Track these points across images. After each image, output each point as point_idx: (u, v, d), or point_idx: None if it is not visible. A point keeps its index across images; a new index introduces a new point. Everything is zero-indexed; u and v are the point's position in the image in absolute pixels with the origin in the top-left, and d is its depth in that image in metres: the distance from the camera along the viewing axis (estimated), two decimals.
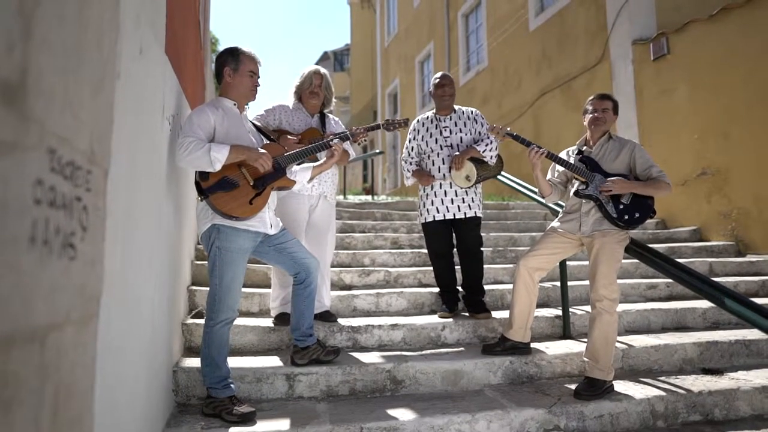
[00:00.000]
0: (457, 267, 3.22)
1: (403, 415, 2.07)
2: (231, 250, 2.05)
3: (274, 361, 2.43)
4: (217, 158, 1.95)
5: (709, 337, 2.91)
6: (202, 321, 2.67)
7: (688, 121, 5.25)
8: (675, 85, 5.40)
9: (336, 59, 29.00)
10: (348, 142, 2.66)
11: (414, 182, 3.22)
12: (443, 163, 3.08)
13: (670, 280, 3.76)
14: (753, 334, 2.96)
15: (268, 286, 3.34)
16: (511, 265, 3.96)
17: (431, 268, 3.73)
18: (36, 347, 0.65)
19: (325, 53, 31.00)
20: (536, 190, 3.42)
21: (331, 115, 2.96)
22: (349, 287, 3.51)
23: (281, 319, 2.72)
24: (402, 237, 4.48)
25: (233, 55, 2.14)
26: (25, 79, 0.60)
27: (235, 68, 2.13)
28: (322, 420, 2.01)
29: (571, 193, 2.57)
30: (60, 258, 0.78)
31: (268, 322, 2.79)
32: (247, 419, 1.94)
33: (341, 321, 2.85)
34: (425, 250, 4.16)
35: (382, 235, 4.47)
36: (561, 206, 2.99)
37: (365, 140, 2.61)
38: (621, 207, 2.40)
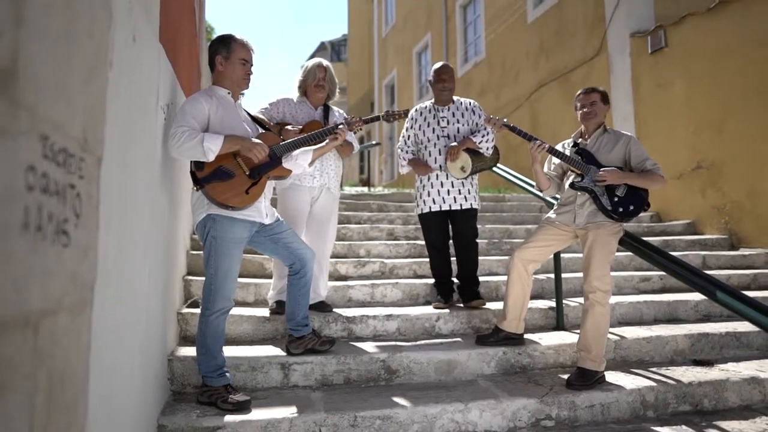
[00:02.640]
0: (453, 258, 3.23)
1: (396, 404, 2.09)
2: (226, 240, 2.05)
3: (269, 350, 2.45)
4: (211, 148, 1.95)
5: (701, 329, 2.94)
6: (197, 310, 2.68)
7: (685, 114, 5.26)
8: (672, 78, 5.40)
9: (333, 50, 28.80)
10: (351, 134, 2.67)
11: (409, 171, 3.22)
12: (440, 154, 3.08)
13: (663, 273, 3.80)
14: (743, 326, 2.99)
15: (264, 276, 3.35)
16: (506, 257, 3.98)
17: (426, 259, 3.75)
18: (29, 333, 0.66)
19: (322, 44, 30.77)
20: (532, 182, 3.43)
21: (335, 108, 2.96)
22: (345, 278, 3.53)
23: (280, 306, 2.73)
24: (397, 228, 4.48)
25: (225, 43, 2.13)
26: (15, 66, 0.60)
27: (227, 56, 2.12)
28: (317, 408, 2.03)
29: (567, 186, 2.58)
30: (53, 244, 0.79)
31: (263, 312, 2.80)
32: (242, 407, 1.95)
33: (336, 311, 2.86)
34: (421, 242, 4.19)
35: (377, 227, 4.47)
36: (557, 199, 3.00)
37: (360, 129, 2.61)
38: (615, 199, 2.41)
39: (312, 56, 30.86)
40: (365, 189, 8.85)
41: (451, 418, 2.09)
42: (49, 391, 0.74)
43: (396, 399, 2.15)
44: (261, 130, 2.29)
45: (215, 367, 2.04)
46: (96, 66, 0.93)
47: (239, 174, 2.06)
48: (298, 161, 2.32)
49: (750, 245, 4.61)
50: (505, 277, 3.61)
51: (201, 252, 3.45)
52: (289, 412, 1.98)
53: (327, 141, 2.40)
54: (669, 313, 3.27)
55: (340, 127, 2.42)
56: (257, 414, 1.95)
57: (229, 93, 2.17)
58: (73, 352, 0.87)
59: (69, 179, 0.80)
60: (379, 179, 15.10)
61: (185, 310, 2.68)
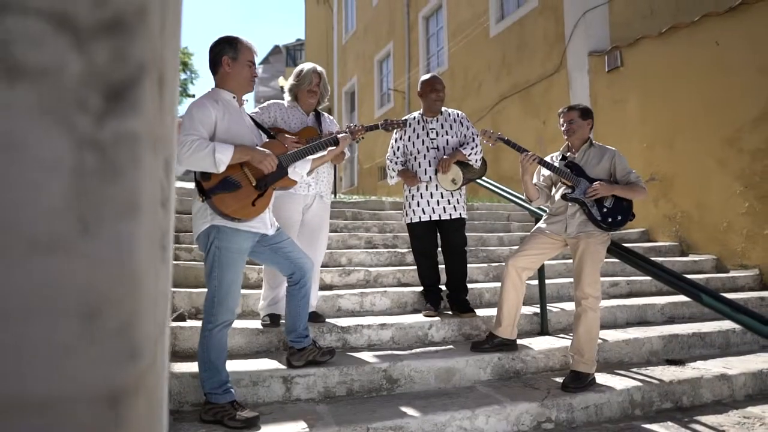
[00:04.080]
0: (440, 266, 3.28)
1: (405, 413, 2.09)
2: (231, 251, 1.98)
3: (268, 363, 2.37)
4: (222, 160, 1.87)
5: (670, 330, 3.16)
6: (185, 324, 2.55)
7: (639, 130, 5.64)
8: (627, 95, 5.78)
9: (288, 54, 28.44)
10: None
11: (398, 182, 3.25)
12: (429, 165, 3.12)
13: (630, 278, 4.05)
14: (706, 327, 3.25)
15: (249, 287, 3.24)
16: (483, 264, 4.08)
17: (409, 267, 3.78)
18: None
19: (277, 47, 30.31)
20: (507, 193, 3.55)
21: (326, 114, 2.93)
22: (330, 287, 3.48)
23: (272, 319, 2.66)
24: (375, 236, 4.49)
25: (231, 44, 2.06)
26: (164, 63, 0.57)
27: (234, 57, 2.05)
28: (327, 422, 1.98)
29: (557, 197, 2.69)
30: (164, 263, 0.75)
31: (255, 323, 2.71)
32: (251, 424, 1.88)
33: (329, 321, 2.82)
34: (401, 250, 4.21)
35: (356, 235, 4.45)
36: (542, 209, 3.13)
37: (362, 137, 2.60)
38: (605, 210, 2.55)
39: (266, 59, 30.26)
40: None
41: (460, 426, 2.11)
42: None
43: (403, 408, 2.15)
44: (265, 137, 2.23)
45: (220, 383, 1.95)
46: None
47: (246, 185, 2.00)
48: (298, 170, 2.28)
49: (698, 251, 5.00)
50: (485, 284, 3.71)
51: (180, 262, 3.29)
52: (299, 427, 1.93)
53: (328, 150, 2.37)
54: (639, 316, 3.48)
55: (343, 135, 2.41)
56: (267, 430, 1.88)
57: (234, 97, 2.10)
58: (162, 378, 0.82)
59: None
60: (339, 186, 15.03)
61: (173, 324, 2.54)
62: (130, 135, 0.39)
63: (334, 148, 2.39)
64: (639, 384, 2.48)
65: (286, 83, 2.90)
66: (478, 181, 3.71)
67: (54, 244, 0.35)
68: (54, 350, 0.35)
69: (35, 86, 0.34)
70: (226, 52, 2.04)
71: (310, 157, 2.32)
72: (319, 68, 2.84)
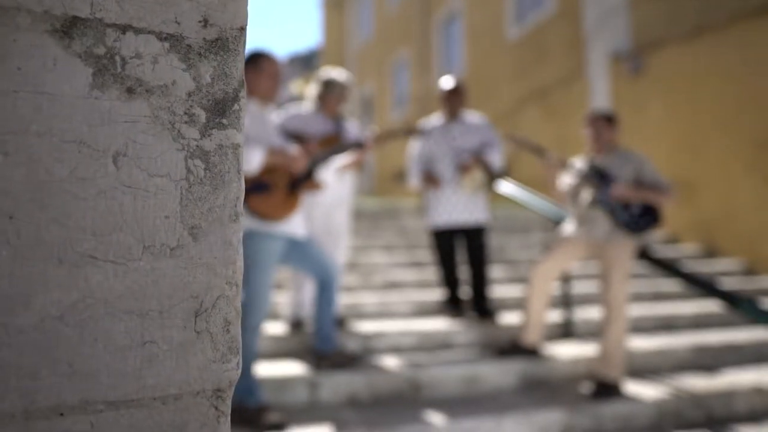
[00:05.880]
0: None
1: (432, 419, 2.09)
2: (262, 255, 2.00)
3: (293, 367, 2.39)
4: (250, 161, 1.90)
5: (700, 337, 3.09)
6: None
7: (662, 134, 5.56)
8: (649, 99, 5.71)
9: (302, 61, 28.74)
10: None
11: (418, 184, 3.25)
12: (450, 168, 3.12)
13: (656, 281, 3.97)
14: (738, 334, 3.17)
15: (275, 289, 3.27)
16: (507, 268, 4.06)
17: (428, 270, 3.78)
18: None
19: (292, 55, 30.67)
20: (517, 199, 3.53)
21: (348, 120, 2.95)
22: (350, 289, 3.50)
23: (296, 323, 2.68)
24: (393, 239, 4.50)
25: (256, 55, 2.10)
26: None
27: (258, 69, 2.09)
28: (357, 427, 1.99)
29: (582, 202, 2.67)
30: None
31: (277, 326, 2.73)
32: (280, 428, 1.89)
33: (352, 325, 2.83)
34: (419, 252, 4.21)
35: (373, 236, 4.47)
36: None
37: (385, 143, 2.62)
38: (631, 215, 2.52)
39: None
40: None
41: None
42: None
43: (430, 415, 2.14)
44: (291, 143, 2.25)
45: (250, 386, 1.97)
46: None
47: (277, 187, 2.02)
48: (323, 174, 2.31)
49: (726, 256, 4.90)
50: (509, 288, 3.68)
51: None
52: (327, 431, 1.93)
53: (356, 154, 2.39)
54: (667, 321, 3.41)
55: (367, 140, 2.42)
56: None
57: (259, 105, 2.13)
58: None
59: None
60: (357, 188, 15.10)
61: None
62: (232, 146, 0.41)
63: (363, 152, 2.41)
64: (669, 393, 2.43)
65: (308, 89, 2.93)
66: (499, 186, 3.68)
67: (168, 248, 0.37)
68: (174, 347, 0.37)
69: (150, 100, 0.36)
70: (249, 63, 2.07)
71: (335, 160, 2.34)
72: (347, 78, 2.87)
